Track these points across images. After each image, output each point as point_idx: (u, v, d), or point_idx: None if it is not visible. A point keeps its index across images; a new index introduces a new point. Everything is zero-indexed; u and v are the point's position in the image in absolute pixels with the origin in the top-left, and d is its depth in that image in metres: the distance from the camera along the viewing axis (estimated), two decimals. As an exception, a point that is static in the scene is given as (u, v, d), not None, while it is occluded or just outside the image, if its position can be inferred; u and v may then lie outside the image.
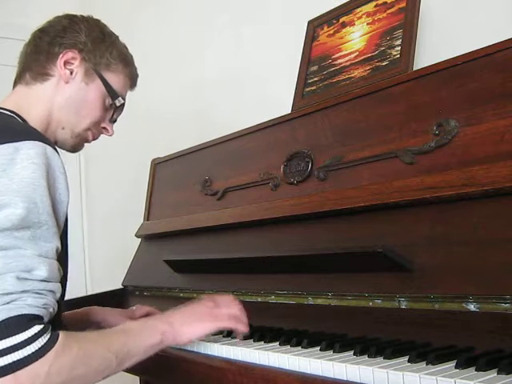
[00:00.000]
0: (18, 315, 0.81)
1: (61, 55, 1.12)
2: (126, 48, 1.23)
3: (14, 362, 0.79)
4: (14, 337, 0.80)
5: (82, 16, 1.19)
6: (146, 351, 0.97)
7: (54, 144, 1.01)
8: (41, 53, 1.13)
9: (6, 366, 0.79)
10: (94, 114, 1.17)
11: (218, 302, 1.11)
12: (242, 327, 1.08)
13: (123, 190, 2.77)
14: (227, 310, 1.09)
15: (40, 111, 1.12)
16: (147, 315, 1.45)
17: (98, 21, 1.20)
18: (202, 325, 1.05)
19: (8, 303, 0.81)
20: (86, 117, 1.16)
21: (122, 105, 1.21)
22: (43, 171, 0.90)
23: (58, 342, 0.84)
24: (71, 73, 1.13)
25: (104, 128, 1.22)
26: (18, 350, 0.79)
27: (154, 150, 2.05)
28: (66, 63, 1.12)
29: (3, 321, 0.80)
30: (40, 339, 0.82)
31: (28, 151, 0.89)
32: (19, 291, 0.83)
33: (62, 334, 0.85)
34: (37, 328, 0.82)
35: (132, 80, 1.24)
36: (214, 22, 2.41)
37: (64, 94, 1.13)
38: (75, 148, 1.21)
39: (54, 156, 0.95)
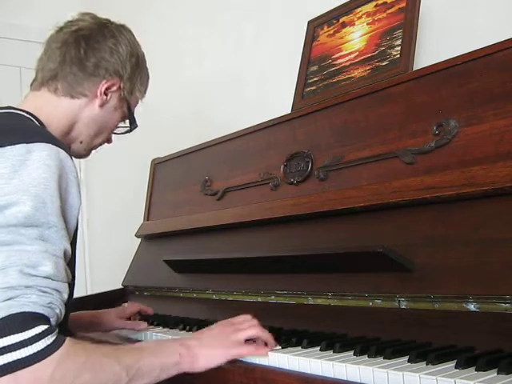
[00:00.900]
0: (21, 313, 0.78)
1: (104, 81, 1.13)
2: (148, 68, 1.26)
3: (13, 361, 0.76)
4: (15, 335, 0.76)
5: (121, 31, 1.18)
6: (161, 371, 0.91)
7: (67, 148, 1.01)
8: (83, 71, 1.12)
9: (5, 365, 0.75)
10: (110, 132, 1.23)
11: (236, 324, 1.04)
12: (262, 352, 0.98)
13: (123, 190, 2.78)
14: (245, 335, 1.00)
15: (63, 122, 1.13)
16: (139, 312, 1.47)
17: (133, 37, 1.21)
18: (220, 352, 0.97)
19: (10, 299, 0.79)
20: (104, 135, 1.21)
21: (136, 127, 1.26)
22: (55, 173, 0.90)
23: (64, 346, 0.80)
24: (107, 97, 1.15)
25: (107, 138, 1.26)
26: (18, 349, 0.76)
27: (154, 150, 2.05)
28: (106, 89, 1.14)
29: (3, 318, 0.77)
30: (43, 340, 0.78)
31: (41, 153, 0.89)
32: (22, 286, 0.80)
33: (68, 339, 0.82)
34: (41, 328, 0.79)
35: (143, 98, 1.28)
36: (214, 22, 2.41)
37: (92, 114, 1.15)
38: (82, 157, 1.24)
39: (68, 159, 0.95)
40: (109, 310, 1.45)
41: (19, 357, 0.76)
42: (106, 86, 1.14)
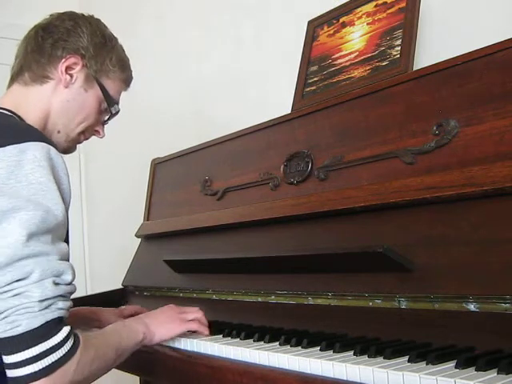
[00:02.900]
0: (52, 319, 0.86)
1: (63, 60, 1.12)
2: (124, 51, 1.23)
3: (50, 364, 0.84)
4: (49, 340, 0.85)
5: (84, 16, 1.18)
6: (131, 349, 1.07)
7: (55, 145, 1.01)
8: (43, 54, 1.12)
9: (43, 368, 0.84)
10: (90, 119, 1.18)
11: (184, 309, 1.22)
12: (205, 330, 1.19)
13: (123, 189, 2.77)
14: (193, 315, 1.20)
15: (37, 113, 1.12)
16: (135, 314, 1.46)
17: (99, 22, 1.20)
18: (172, 327, 1.16)
19: (46, 308, 0.86)
20: (81, 122, 1.16)
21: (117, 112, 1.22)
22: (50, 174, 0.92)
23: (81, 342, 0.90)
24: (71, 78, 1.13)
25: (96, 131, 1.23)
26: (53, 352, 0.85)
27: (154, 150, 2.05)
28: (67, 68, 1.12)
29: (42, 326, 0.85)
30: (70, 340, 0.88)
31: (34, 153, 0.90)
32: (55, 296, 0.88)
33: (80, 334, 0.92)
34: (66, 330, 0.88)
35: (127, 84, 1.25)
36: (214, 22, 2.41)
37: (62, 98, 1.13)
38: (67, 151, 1.20)
39: (58, 157, 0.96)
40: (107, 308, 1.47)
41: (55, 359, 0.85)
42: (65, 64, 1.11)
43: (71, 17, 1.16)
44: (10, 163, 0.88)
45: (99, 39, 1.16)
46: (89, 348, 0.92)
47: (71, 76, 1.13)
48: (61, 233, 0.94)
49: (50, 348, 0.85)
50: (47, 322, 0.86)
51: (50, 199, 0.90)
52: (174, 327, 1.16)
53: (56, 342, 0.86)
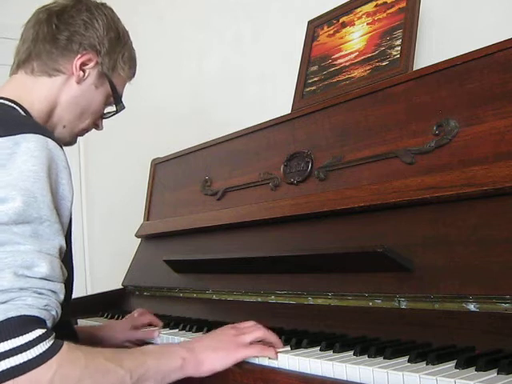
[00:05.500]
0: (18, 316, 0.76)
1: (79, 55, 1.08)
2: (133, 47, 1.21)
3: (12, 367, 0.74)
4: (13, 340, 0.74)
5: (98, 7, 1.13)
6: (165, 375, 0.90)
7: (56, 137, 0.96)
8: (56, 46, 1.07)
9: (3, 371, 0.73)
10: (96, 115, 1.16)
11: (241, 328, 1.02)
12: (270, 353, 0.96)
13: (123, 189, 2.77)
14: (252, 336, 0.99)
15: (44, 105, 1.07)
16: (149, 325, 1.39)
17: (113, 13, 1.16)
18: (225, 355, 0.95)
19: (5, 302, 0.77)
20: (87, 118, 1.14)
21: (122, 109, 1.19)
22: (44, 165, 0.86)
23: (62, 350, 0.78)
24: (84, 74, 1.09)
25: (95, 124, 1.19)
26: (17, 354, 0.74)
27: (154, 150, 2.05)
28: (82, 64, 1.08)
29: (0, 322, 0.75)
30: (42, 344, 0.76)
31: (28, 144, 0.86)
32: (17, 288, 0.78)
33: (66, 343, 0.80)
34: (38, 332, 0.77)
35: (131, 79, 1.23)
36: (215, 21, 2.41)
37: (71, 93, 1.09)
38: (69, 143, 1.18)
39: (57, 149, 0.91)
40: (111, 325, 1.37)
41: (18, 362, 0.74)
42: (80, 60, 1.08)
43: (86, 6, 1.11)
44: (2, 156, 0.84)
45: (114, 33, 1.13)
46: (76, 361, 0.79)
47: (84, 72, 1.09)
48: (50, 228, 0.85)
49: (13, 349, 0.74)
50: (9, 319, 0.75)
51: (40, 188, 0.84)
52: (227, 355, 0.95)
53: (21, 343, 0.74)
